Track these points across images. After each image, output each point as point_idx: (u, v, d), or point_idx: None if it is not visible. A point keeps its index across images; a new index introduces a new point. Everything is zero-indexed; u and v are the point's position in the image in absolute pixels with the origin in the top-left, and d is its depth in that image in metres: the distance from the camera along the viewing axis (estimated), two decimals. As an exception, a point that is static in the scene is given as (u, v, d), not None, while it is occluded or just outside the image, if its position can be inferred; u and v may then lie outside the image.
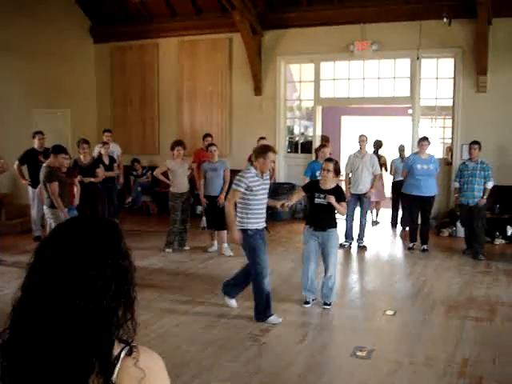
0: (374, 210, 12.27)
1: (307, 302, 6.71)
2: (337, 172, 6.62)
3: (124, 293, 1.46)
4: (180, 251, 9.49)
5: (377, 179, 10.21)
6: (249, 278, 6.28)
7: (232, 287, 6.53)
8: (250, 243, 6.10)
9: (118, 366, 1.41)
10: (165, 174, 9.61)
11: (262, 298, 6.08)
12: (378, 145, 12.45)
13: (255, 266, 6.06)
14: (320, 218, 6.56)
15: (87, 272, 1.40)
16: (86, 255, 1.42)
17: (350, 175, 10.04)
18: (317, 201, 6.51)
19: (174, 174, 9.49)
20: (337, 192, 6.59)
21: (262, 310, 6.11)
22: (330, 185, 6.57)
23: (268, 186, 6.33)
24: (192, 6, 13.10)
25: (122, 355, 1.42)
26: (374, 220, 12.23)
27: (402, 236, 11.00)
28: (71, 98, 13.48)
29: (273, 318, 6.10)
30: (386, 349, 5.55)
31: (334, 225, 6.63)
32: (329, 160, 6.77)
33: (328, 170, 6.53)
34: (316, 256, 6.63)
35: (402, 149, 12.00)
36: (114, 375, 1.40)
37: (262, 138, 10.72)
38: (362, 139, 10.12)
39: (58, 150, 8.34)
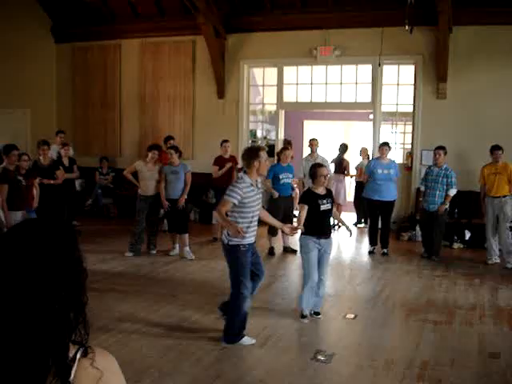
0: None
1: (305, 316, 6.41)
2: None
3: (75, 297, 1.45)
4: (142, 255, 9.40)
5: (330, 180, 10.22)
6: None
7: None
8: (240, 260, 5.50)
9: (75, 367, 1.41)
10: (133, 175, 9.58)
11: (238, 320, 5.60)
12: (343, 148, 12.58)
13: (239, 286, 5.50)
14: (326, 225, 6.43)
15: (38, 276, 1.39)
16: (37, 259, 1.41)
17: (304, 179, 10.11)
18: (322, 208, 6.26)
19: (143, 176, 9.42)
20: (332, 195, 6.57)
21: (237, 332, 5.62)
22: (323, 190, 6.41)
23: (261, 195, 5.82)
24: (155, 7, 13.01)
25: (78, 356, 1.42)
26: (335, 224, 12.29)
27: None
28: (31, 97, 13.25)
29: (246, 339, 5.64)
30: (346, 352, 5.58)
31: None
32: (321, 165, 6.56)
33: (325, 176, 6.32)
34: None
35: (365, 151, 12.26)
36: (72, 376, 1.39)
37: (225, 141, 10.72)
38: (313, 143, 10.29)
39: (8, 149, 8.23)
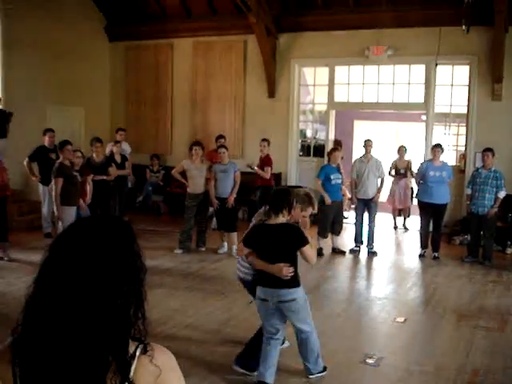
0: (401, 217, 12.21)
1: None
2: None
3: (136, 293, 1.47)
4: (192, 252, 9.49)
5: (383, 183, 10.08)
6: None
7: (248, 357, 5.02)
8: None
9: (135, 363, 1.42)
10: (182, 174, 9.66)
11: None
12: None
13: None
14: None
15: (100, 271, 1.41)
16: (99, 255, 1.43)
17: (356, 180, 9.98)
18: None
19: (190, 174, 9.51)
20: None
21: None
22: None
23: None
24: (208, 7, 13.11)
25: (138, 353, 1.44)
26: (403, 225, 12.16)
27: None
28: (85, 95, 13.50)
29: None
30: (395, 356, 5.52)
31: None
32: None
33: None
34: None
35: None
36: (131, 373, 1.41)
37: (262, 140, 10.66)
38: (369, 144, 10.11)
39: (62, 144, 8.51)
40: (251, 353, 4.92)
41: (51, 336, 1.38)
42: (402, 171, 11.94)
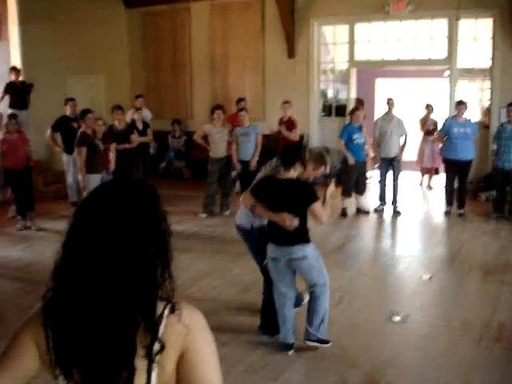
0: (427, 176, 12.07)
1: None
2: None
3: (162, 254, 1.48)
4: (216, 216, 9.55)
5: (406, 142, 9.94)
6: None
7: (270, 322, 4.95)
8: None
9: (163, 323, 1.44)
10: (204, 138, 9.66)
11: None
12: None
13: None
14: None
15: (127, 233, 1.42)
16: (124, 217, 1.44)
17: (379, 139, 9.87)
18: None
19: (212, 138, 9.51)
20: None
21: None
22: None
23: None
24: (224, -32, 12.91)
25: (166, 312, 1.46)
26: (427, 185, 12.03)
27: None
28: (104, 63, 13.48)
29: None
30: (422, 313, 5.55)
31: None
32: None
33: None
34: None
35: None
36: (160, 332, 1.42)
37: (284, 103, 10.49)
38: (391, 102, 9.96)
39: (84, 113, 8.58)
40: (268, 319, 4.92)
41: (81, 299, 1.41)
42: (431, 127, 11.73)
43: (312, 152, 4.90)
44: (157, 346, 1.41)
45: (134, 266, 1.41)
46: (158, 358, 1.41)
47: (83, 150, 8.25)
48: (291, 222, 4.37)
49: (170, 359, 1.44)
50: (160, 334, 1.42)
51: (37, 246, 7.95)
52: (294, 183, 4.47)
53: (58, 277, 1.46)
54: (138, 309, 1.41)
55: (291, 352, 4.65)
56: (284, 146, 4.61)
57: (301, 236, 4.50)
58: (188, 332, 1.44)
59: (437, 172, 12.06)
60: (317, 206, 4.41)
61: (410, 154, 11.74)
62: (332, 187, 4.66)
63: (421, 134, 11.98)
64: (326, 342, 4.64)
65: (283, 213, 4.39)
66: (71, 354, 1.43)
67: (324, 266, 4.68)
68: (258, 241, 4.89)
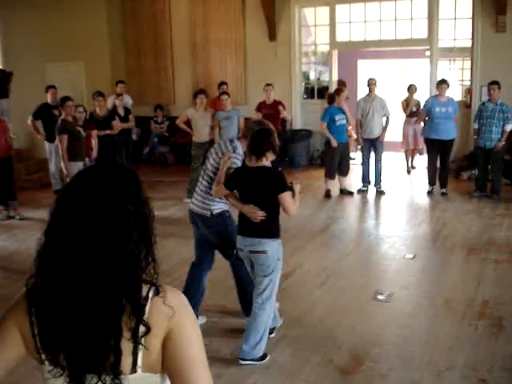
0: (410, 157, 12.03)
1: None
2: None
3: (145, 238, 1.49)
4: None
5: (388, 122, 9.95)
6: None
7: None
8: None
9: (148, 305, 1.45)
10: (187, 123, 9.64)
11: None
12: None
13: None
14: None
15: (109, 218, 1.42)
16: (106, 201, 1.44)
17: (361, 120, 9.90)
18: None
19: (195, 123, 9.49)
20: None
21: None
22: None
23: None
24: (202, -49, 12.77)
25: (150, 295, 1.47)
26: (410, 166, 11.97)
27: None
28: (84, 50, 13.35)
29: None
30: (405, 292, 5.61)
31: None
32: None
33: None
34: None
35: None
36: (146, 315, 1.44)
37: (267, 85, 10.62)
38: (372, 82, 9.97)
39: (63, 100, 8.53)
40: (246, 300, 4.84)
41: (65, 284, 1.41)
42: (414, 109, 11.71)
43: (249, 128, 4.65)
44: (142, 329, 1.43)
45: (118, 251, 1.42)
46: (143, 339, 1.43)
47: (64, 137, 8.20)
48: (255, 213, 4.18)
49: (156, 340, 1.45)
50: (145, 317, 1.44)
51: (20, 235, 7.90)
52: (264, 170, 4.27)
53: (41, 263, 1.46)
54: (122, 292, 1.42)
55: (273, 335, 4.64)
56: (251, 136, 4.36)
57: (267, 230, 4.25)
58: (173, 313, 1.46)
59: (420, 153, 12.08)
60: (285, 197, 4.17)
61: (393, 134, 11.76)
62: (299, 186, 4.39)
63: (404, 116, 11.97)
64: (263, 357, 4.31)
65: (250, 205, 4.24)
66: (57, 340, 1.43)
67: (279, 275, 4.36)
68: (223, 229, 4.80)
